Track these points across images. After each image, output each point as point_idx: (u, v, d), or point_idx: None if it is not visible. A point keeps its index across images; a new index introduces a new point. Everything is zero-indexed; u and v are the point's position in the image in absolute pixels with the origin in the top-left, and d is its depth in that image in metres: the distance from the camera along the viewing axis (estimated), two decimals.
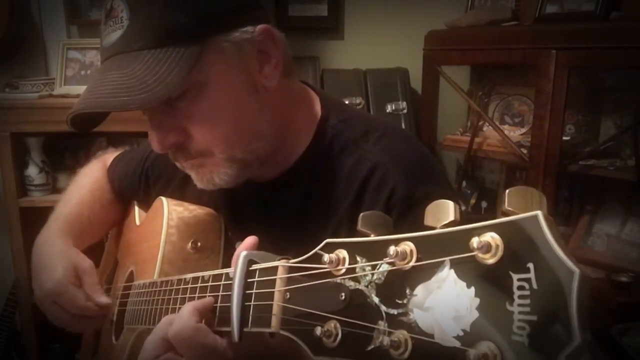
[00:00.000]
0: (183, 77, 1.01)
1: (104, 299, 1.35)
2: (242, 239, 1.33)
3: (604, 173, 2.50)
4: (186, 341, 0.95)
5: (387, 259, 0.63)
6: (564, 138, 2.56)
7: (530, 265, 0.50)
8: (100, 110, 1.07)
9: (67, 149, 3.12)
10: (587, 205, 2.73)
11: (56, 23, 3.24)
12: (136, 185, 1.61)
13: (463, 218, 0.61)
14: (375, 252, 0.66)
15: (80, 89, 2.90)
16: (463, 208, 3.03)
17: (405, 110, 3.14)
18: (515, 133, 2.91)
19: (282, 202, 1.27)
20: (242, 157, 1.15)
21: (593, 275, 2.42)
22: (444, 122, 3.20)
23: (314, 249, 0.76)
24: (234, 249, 1.34)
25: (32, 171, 2.98)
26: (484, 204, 3.19)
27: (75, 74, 3.10)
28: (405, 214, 1.11)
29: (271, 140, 1.18)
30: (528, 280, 0.50)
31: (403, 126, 3.10)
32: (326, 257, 0.71)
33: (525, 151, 2.65)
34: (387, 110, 3.14)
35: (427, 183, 1.17)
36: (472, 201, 3.19)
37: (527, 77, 2.84)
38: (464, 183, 3.25)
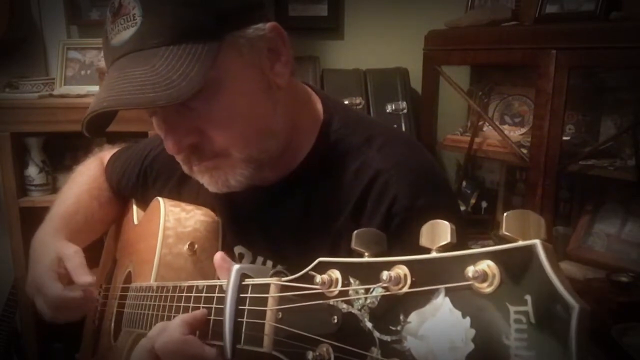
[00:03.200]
0: (205, 72, 0.99)
1: (86, 278, 1.32)
2: (240, 242, 1.33)
3: (604, 173, 2.49)
4: (171, 355, 0.94)
5: (381, 284, 0.62)
6: (564, 138, 2.56)
7: (528, 298, 0.49)
8: (127, 107, 1.04)
9: (67, 149, 3.11)
10: (587, 205, 2.73)
11: (56, 23, 3.23)
12: (134, 185, 1.60)
13: (464, 225, 0.60)
14: (368, 274, 0.65)
15: (81, 89, 2.94)
16: (463, 208, 3.04)
17: (405, 110, 3.13)
18: (515, 133, 2.91)
19: (282, 207, 1.26)
20: (258, 157, 1.14)
21: (593, 276, 2.42)
22: (444, 122, 3.20)
23: (313, 256, 0.75)
24: (232, 252, 1.34)
25: (32, 171, 2.98)
26: (484, 204, 3.18)
27: (75, 74, 3.10)
28: (406, 223, 1.10)
29: (283, 139, 1.17)
30: (525, 313, 0.49)
31: (403, 126, 3.10)
32: (318, 278, 0.70)
33: (525, 151, 2.65)
34: (387, 110, 3.13)
35: (429, 193, 1.16)
36: (472, 201, 3.19)
37: (527, 77, 2.84)
38: (464, 183, 3.25)
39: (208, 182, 1.17)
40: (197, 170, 1.17)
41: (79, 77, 3.09)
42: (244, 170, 1.14)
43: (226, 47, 1.04)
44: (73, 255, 1.38)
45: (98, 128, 1.14)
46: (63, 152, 3.11)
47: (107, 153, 1.77)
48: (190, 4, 1.02)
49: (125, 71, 1.02)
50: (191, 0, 1.02)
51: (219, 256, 1.02)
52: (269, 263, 1.29)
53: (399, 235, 1.06)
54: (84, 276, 1.33)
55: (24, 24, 3.14)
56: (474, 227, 3.02)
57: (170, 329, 0.96)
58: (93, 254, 1.47)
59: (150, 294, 1.24)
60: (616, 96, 2.66)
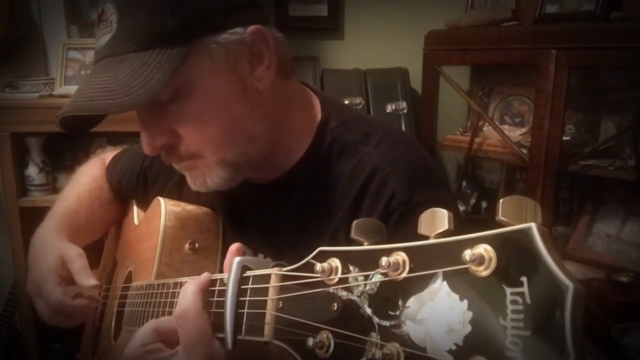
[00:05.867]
0: (166, 79, 1.00)
1: (91, 281, 1.34)
2: (240, 241, 1.33)
3: (604, 173, 2.49)
4: (189, 322, 0.93)
5: (380, 270, 0.62)
6: (564, 138, 2.56)
7: (524, 279, 0.50)
8: (84, 113, 1.06)
9: (67, 149, 3.11)
10: (587, 205, 2.73)
11: (56, 23, 3.23)
12: (135, 185, 1.60)
13: (462, 220, 0.61)
14: (368, 261, 0.65)
15: None
16: (463, 208, 3.04)
17: (405, 110, 3.13)
18: (515, 133, 2.90)
19: (280, 205, 1.27)
20: (233, 160, 1.14)
21: (593, 276, 2.42)
22: (444, 122, 3.20)
23: (311, 253, 0.76)
24: None
25: (32, 171, 2.98)
26: (484, 204, 3.19)
27: (75, 74, 3.10)
28: (405, 218, 1.10)
29: (265, 143, 1.18)
30: (521, 294, 0.50)
31: (403, 126, 3.10)
32: (318, 266, 0.70)
33: (525, 151, 2.65)
34: (387, 110, 3.13)
35: (427, 188, 1.17)
36: (472, 201, 3.19)
37: (527, 77, 2.84)
38: (464, 183, 3.25)
39: (189, 180, 1.20)
40: (179, 168, 1.19)
41: (79, 77, 3.09)
42: (220, 172, 1.15)
43: (196, 52, 1.05)
44: (76, 258, 1.40)
45: (82, 128, 1.17)
46: (63, 152, 3.11)
47: (109, 154, 1.78)
48: (161, 11, 1.02)
49: (93, 77, 1.06)
50: (162, 7, 1.02)
51: (235, 246, 1.03)
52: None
53: (398, 231, 1.07)
54: (88, 279, 1.35)
55: (24, 24, 3.15)
56: (474, 227, 3.00)
57: (189, 296, 0.95)
58: (93, 255, 1.47)
59: (151, 291, 1.24)
60: (616, 96, 2.66)
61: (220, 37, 1.07)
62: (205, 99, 1.09)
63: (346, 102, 3.05)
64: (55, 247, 1.45)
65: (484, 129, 3.04)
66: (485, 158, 3.10)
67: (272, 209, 1.29)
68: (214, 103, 1.10)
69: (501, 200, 0.54)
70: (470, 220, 3.09)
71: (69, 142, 3.09)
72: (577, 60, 2.38)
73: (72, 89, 2.98)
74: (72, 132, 1.14)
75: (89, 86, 1.05)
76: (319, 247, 0.75)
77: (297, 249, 0.80)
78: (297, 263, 0.79)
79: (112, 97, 0.99)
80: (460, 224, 0.63)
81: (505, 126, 2.96)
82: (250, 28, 1.10)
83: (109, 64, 1.04)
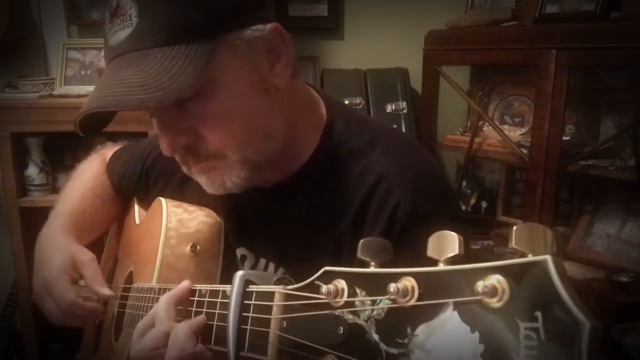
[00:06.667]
0: (198, 74, 0.98)
1: (105, 290, 1.33)
2: (243, 244, 1.33)
3: (604, 173, 2.49)
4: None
5: (388, 296, 0.61)
6: (564, 138, 2.56)
7: (538, 314, 0.48)
8: (116, 109, 1.05)
9: (67, 149, 3.10)
10: (587, 205, 2.73)
11: (56, 23, 3.23)
12: (136, 184, 1.59)
13: (466, 224, 0.59)
14: (375, 285, 0.64)
15: (81, 89, 2.93)
16: (463, 208, 3.04)
17: (405, 110, 3.13)
18: (515, 133, 2.91)
19: (285, 208, 1.25)
20: (254, 158, 1.12)
21: (593, 276, 2.42)
22: (444, 122, 3.20)
23: (316, 258, 0.74)
24: (234, 254, 1.34)
25: (32, 171, 2.98)
26: (484, 204, 3.19)
27: (75, 74, 3.09)
28: (408, 230, 1.09)
29: (280, 141, 1.16)
30: (535, 330, 0.48)
31: (403, 126, 3.10)
32: (324, 288, 0.69)
33: (525, 151, 2.65)
34: (387, 110, 3.13)
35: (432, 199, 1.15)
36: (472, 201, 3.19)
37: (527, 77, 2.84)
38: (464, 183, 3.25)
39: (205, 183, 1.16)
40: (195, 171, 1.16)
41: (79, 77, 3.09)
42: (240, 172, 1.13)
43: (221, 48, 1.03)
44: (89, 263, 1.38)
45: (94, 128, 1.14)
46: (63, 152, 3.11)
47: (109, 150, 1.76)
48: (186, 5, 1.01)
49: (117, 72, 1.02)
50: (186, 2, 1.01)
51: None
52: (272, 265, 1.29)
53: (401, 242, 1.05)
54: (102, 287, 1.34)
55: (24, 24, 3.14)
56: (474, 227, 3.02)
57: (180, 340, 0.97)
58: (94, 253, 1.46)
59: (152, 295, 1.24)
60: (616, 96, 2.66)
61: (244, 33, 1.06)
62: (229, 96, 1.07)
63: (346, 102, 3.05)
64: (64, 248, 1.43)
65: (484, 129, 3.04)
66: (485, 158, 3.10)
67: (276, 213, 1.27)
68: (238, 100, 1.08)
69: (514, 228, 0.52)
70: (470, 220, 3.09)
71: (69, 142, 3.08)
72: (577, 60, 2.38)
73: (72, 89, 2.99)
74: (86, 133, 1.11)
75: (113, 81, 1.01)
76: (324, 252, 0.74)
77: (302, 254, 0.79)
78: (301, 270, 0.78)
79: (145, 92, 0.96)
80: (465, 233, 0.61)
81: (505, 126, 2.96)
82: (269, 25, 1.09)
83: (131, 59, 1.01)
